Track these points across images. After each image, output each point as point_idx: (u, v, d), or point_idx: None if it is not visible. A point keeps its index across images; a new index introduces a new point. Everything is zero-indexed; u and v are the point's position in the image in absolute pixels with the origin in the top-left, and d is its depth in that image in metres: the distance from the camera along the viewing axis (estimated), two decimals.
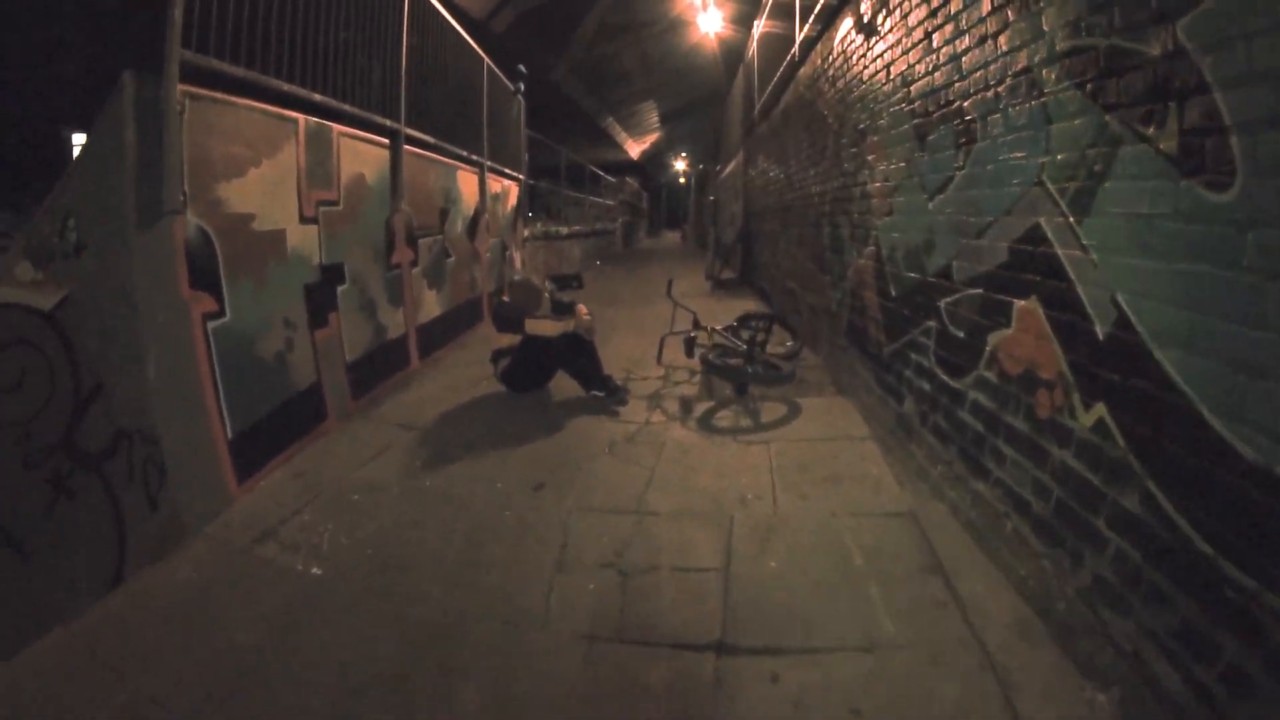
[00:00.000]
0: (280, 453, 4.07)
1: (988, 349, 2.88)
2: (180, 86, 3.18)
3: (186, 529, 3.26)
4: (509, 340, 5.01)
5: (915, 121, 3.65)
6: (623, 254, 25.72)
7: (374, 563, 3.00)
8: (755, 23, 11.80)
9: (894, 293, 3.95)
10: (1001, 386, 2.77)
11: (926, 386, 3.49)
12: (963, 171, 3.12)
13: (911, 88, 3.72)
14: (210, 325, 3.47)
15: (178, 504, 3.25)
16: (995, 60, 2.83)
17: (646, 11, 16.50)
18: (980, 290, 2.94)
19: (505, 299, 5.13)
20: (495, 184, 9.30)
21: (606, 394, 4.91)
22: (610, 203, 26.54)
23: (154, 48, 3.09)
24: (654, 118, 30.67)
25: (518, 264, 11.05)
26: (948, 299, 3.25)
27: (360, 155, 5.04)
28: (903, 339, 3.82)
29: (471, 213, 8.05)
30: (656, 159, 44.11)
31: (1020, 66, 2.64)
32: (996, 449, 2.80)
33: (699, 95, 24.29)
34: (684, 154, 42.13)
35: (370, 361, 5.21)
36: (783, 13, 9.12)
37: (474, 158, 8.10)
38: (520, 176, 11.11)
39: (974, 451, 2.99)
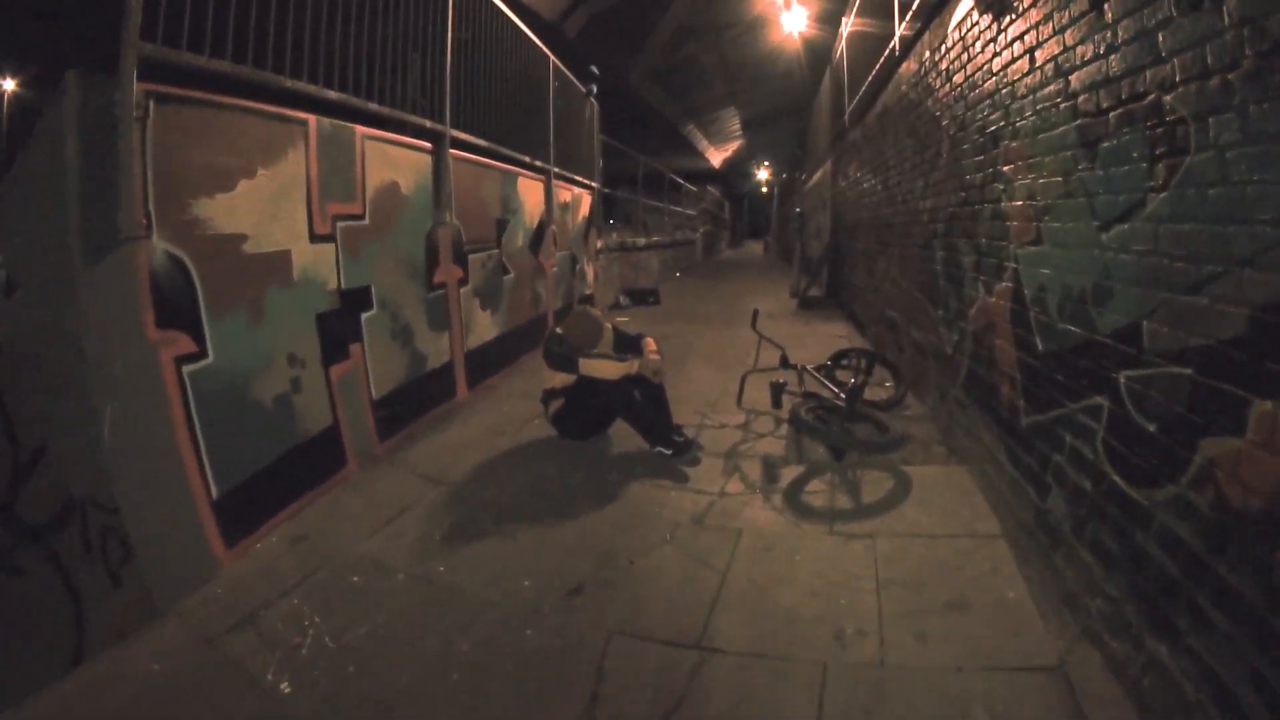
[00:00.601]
0: (284, 508, 3.45)
1: (1198, 459, 1.92)
2: (142, 86, 2.55)
3: (158, 605, 2.67)
4: (562, 379, 4.25)
5: (1079, 122, 2.70)
6: (703, 265, 24.72)
7: (354, 687, 2.30)
8: (843, 20, 10.82)
9: (1041, 347, 2.99)
10: (1218, 519, 1.82)
11: (1087, 485, 2.52)
12: (1163, 195, 2.17)
13: (1072, 77, 2.77)
14: (187, 369, 2.85)
15: (147, 578, 2.68)
16: (1219, 34, 1.90)
17: (726, 12, 15.53)
18: (1190, 370, 1.98)
19: (559, 330, 4.37)
20: (564, 192, 8.63)
21: (674, 453, 4.08)
22: (691, 212, 25.64)
23: (109, 42, 2.47)
24: (735, 125, 29.55)
25: (590, 278, 10.39)
26: (1131, 372, 2.29)
27: (393, 161, 4.39)
28: (1052, 411, 2.86)
29: (535, 224, 7.39)
30: (738, 168, 42.94)
31: (1269, 44, 1.72)
32: (1197, 606, 1.86)
33: (782, 102, 23.13)
34: (766, 163, 40.84)
35: (404, 396, 4.57)
36: (875, 8, 8.12)
37: (538, 164, 7.41)
38: (594, 184, 10.43)
39: (1159, 598, 2.04)
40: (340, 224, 3.84)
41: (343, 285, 3.87)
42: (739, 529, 3.29)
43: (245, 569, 3.03)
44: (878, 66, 7.40)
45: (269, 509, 3.36)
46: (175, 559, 2.82)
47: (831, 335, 8.11)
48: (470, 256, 5.57)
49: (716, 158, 35.32)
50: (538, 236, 7.48)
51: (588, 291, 10.29)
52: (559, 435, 4.46)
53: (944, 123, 4.62)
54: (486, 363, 5.94)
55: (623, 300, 12.17)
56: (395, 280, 4.43)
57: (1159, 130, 2.19)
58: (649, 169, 17.55)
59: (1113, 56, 2.46)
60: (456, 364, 5.36)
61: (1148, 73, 2.25)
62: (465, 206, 5.42)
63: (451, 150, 5.05)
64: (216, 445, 2.99)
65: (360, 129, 4.03)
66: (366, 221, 4.08)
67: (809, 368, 4.85)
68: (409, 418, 4.66)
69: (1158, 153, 2.19)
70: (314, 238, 3.64)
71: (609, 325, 4.49)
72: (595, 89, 9.93)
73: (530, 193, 7.20)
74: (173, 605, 2.71)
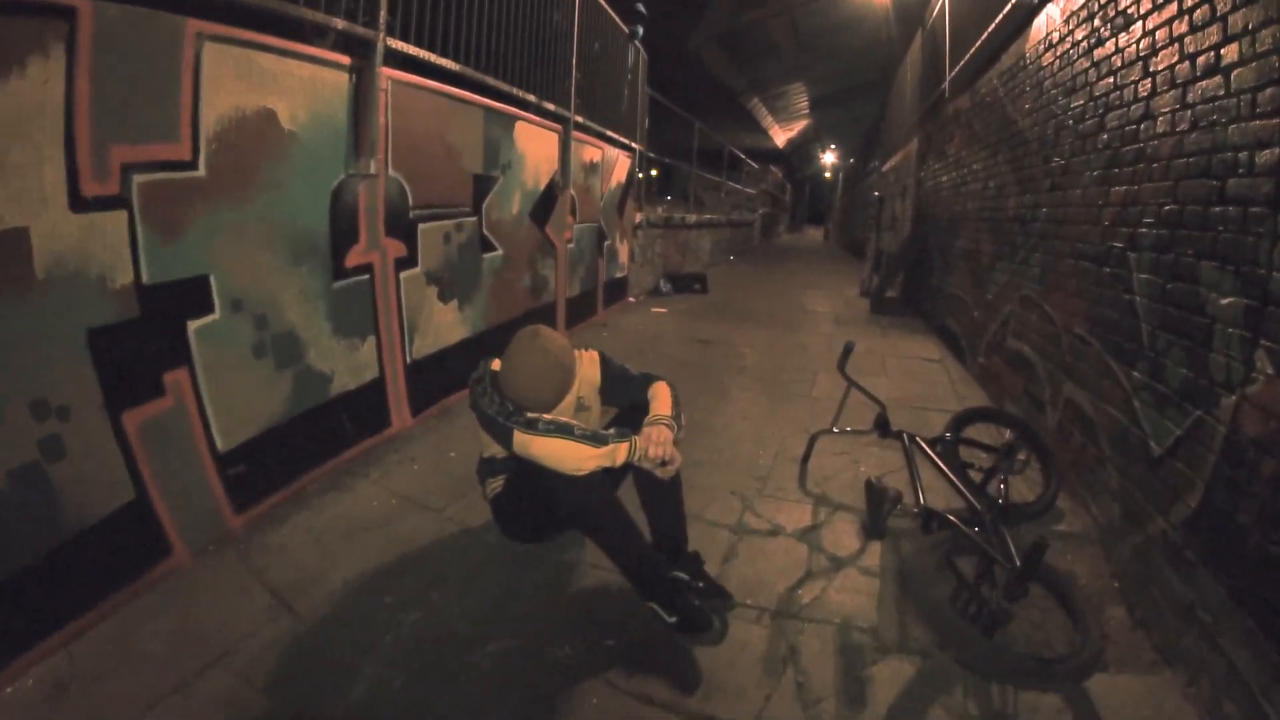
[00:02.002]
0: (51, 633, 2.07)
1: None
2: None
3: None
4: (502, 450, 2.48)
5: None
6: (760, 249, 22.28)
7: None
8: None
9: None
10: None
11: None
12: None
13: None
14: None
15: None
16: None
17: None
18: None
19: (494, 369, 2.40)
20: (591, 150, 6.88)
21: (679, 623, 2.19)
22: (750, 191, 23.32)
23: None
24: (803, 102, 26.84)
25: (623, 258, 8.68)
26: None
27: (268, 79, 2.70)
28: None
29: (542, 186, 5.63)
30: (803, 149, 40.09)
31: None
32: None
33: (854, 82, 20.62)
34: (833, 145, 37.87)
35: (285, 440, 2.99)
36: None
37: (549, 107, 5.57)
38: (635, 145, 8.65)
39: None
40: (139, 178, 2.21)
41: (145, 279, 2.26)
42: None
43: None
44: (1007, 9, 5.46)
45: (24, 638, 2.00)
46: None
47: (920, 359, 6.20)
48: (422, 226, 3.87)
49: (780, 137, 32.84)
50: (545, 202, 5.73)
51: (619, 275, 8.58)
52: (498, 528, 2.71)
53: (1164, 64, 2.78)
54: (447, 376, 4.25)
55: (664, 286, 10.40)
56: (265, 264, 2.79)
57: None
58: (708, 143, 15.43)
59: None
60: (390, 381, 3.71)
61: None
62: (416, 154, 3.72)
63: (389, 70, 3.35)
64: None
65: (196, 24, 2.35)
66: (200, 172, 2.43)
67: (921, 442, 3.00)
68: (297, 469, 3.07)
69: None
70: (79, 204, 2.04)
71: (589, 360, 2.56)
72: (642, 31, 8.09)
73: (536, 144, 5.43)
74: None
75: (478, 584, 2.50)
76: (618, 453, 2.18)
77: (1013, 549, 2.27)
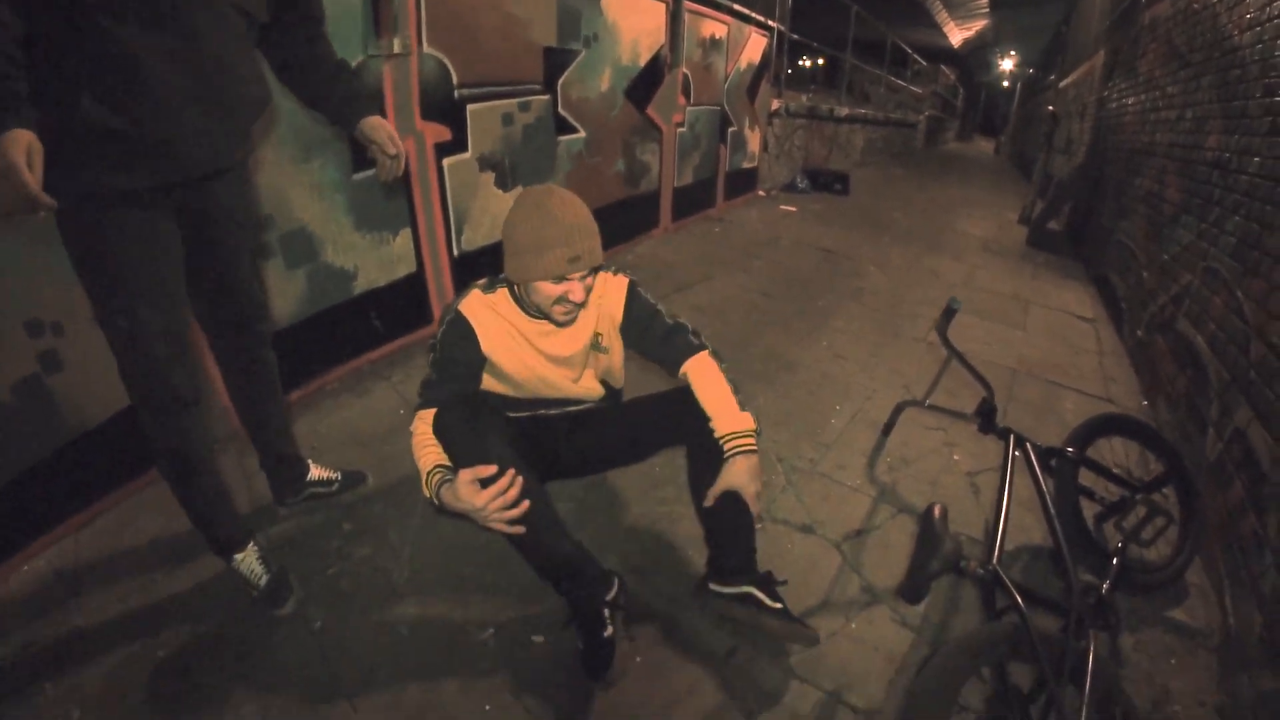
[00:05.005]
0: (65, 518, 2.09)
1: None
2: None
3: None
4: None
5: None
6: (921, 155, 19.32)
7: None
8: None
9: None
10: None
11: None
12: None
13: None
14: None
15: None
16: None
17: None
18: None
19: (438, 334, 1.75)
20: (712, 25, 5.90)
21: (570, 619, 1.73)
22: (918, 91, 20.14)
23: None
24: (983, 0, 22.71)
25: (753, 146, 7.79)
26: None
27: None
28: None
29: (643, 62, 4.84)
30: (980, 54, 34.13)
31: None
32: None
33: None
34: (1013, 53, 31.99)
35: (300, 341, 2.72)
36: None
37: None
38: (772, 24, 7.50)
39: None
40: None
41: None
42: None
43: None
44: None
45: (36, 525, 2.00)
46: None
47: (1070, 315, 4.96)
48: (471, 107, 3.28)
49: (956, 35, 28.19)
50: (646, 80, 4.95)
51: (746, 165, 7.72)
52: None
53: None
54: None
55: (800, 182, 9.22)
56: (265, 162, 2.38)
57: None
58: (869, 33, 12.92)
59: None
60: (432, 276, 3.32)
61: None
62: (461, 28, 3.08)
63: None
64: None
65: None
66: None
67: (1032, 452, 2.08)
68: (314, 370, 2.83)
69: None
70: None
71: (615, 287, 1.84)
72: None
73: (634, 15, 4.57)
74: None
75: (428, 538, 2.13)
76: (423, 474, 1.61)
77: (1089, 683, 1.39)
